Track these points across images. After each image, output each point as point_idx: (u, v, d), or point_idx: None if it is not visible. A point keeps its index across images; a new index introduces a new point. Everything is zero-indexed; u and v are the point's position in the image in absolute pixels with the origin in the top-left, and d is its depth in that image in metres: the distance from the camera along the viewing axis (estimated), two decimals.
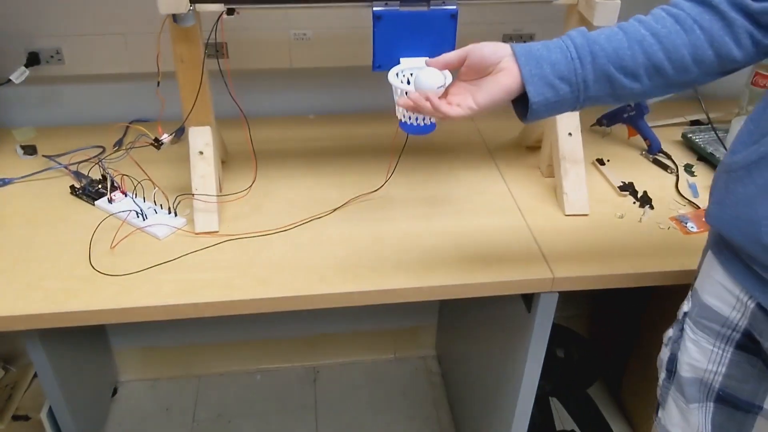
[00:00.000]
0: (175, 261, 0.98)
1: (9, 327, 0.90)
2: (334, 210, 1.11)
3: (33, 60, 1.26)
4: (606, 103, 0.78)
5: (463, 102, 0.76)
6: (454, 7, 0.97)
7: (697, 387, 0.86)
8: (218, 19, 0.95)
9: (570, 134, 1.14)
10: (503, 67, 0.75)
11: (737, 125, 1.25)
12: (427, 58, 0.80)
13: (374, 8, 0.96)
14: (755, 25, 0.72)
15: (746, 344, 0.80)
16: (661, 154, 1.29)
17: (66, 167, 1.18)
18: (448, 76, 0.81)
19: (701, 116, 1.41)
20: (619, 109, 1.31)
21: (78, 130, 1.34)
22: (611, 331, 1.66)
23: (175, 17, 0.93)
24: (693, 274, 0.95)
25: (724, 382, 0.83)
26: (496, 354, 1.30)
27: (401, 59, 0.99)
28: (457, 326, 1.69)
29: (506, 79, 0.74)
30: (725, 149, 1.25)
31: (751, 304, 0.76)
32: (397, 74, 0.96)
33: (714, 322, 0.81)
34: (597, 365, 1.62)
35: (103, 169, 1.14)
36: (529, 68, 0.73)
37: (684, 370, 0.86)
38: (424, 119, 0.97)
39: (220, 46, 0.96)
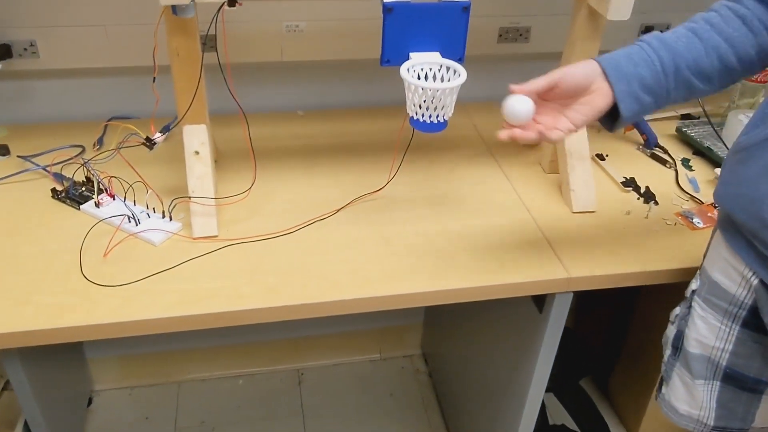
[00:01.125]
0: (175, 269, 0.93)
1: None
2: (338, 211, 1.06)
3: (5, 53, 1.17)
4: (677, 103, 0.83)
5: (560, 125, 0.78)
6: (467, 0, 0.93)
7: (704, 364, 0.88)
8: (219, 10, 0.89)
9: None
10: (596, 89, 0.78)
11: (733, 119, 1.25)
12: (513, 85, 0.77)
13: (384, 0, 0.91)
14: None
15: (751, 321, 0.82)
16: (657, 149, 1.29)
17: (45, 169, 1.10)
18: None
19: (692, 110, 1.41)
20: None
21: (53, 128, 1.25)
22: (597, 326, 1.67)
23: (174, 8, 0.86)
24: None
25: (731, 359, 0.86)
26: (498, 354, 1.28)
27: (411, 54, 0.95)
28: (447, 324, 1.66)
29: (601, 101, 0.78)
30: (723, 143, 1.25)
31: (755, 281, 0.79)
32: (408, 69, 0.92)
33: (722, 299, 0.84)
34: (588, 359, 1.63)
35: (88, 171, 1.07)
36: (620, 87, 0.77)
37: (692, 346, 0.89)
38: (437, 117, 0.93)
39: (213, 38, 0.91)
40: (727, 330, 0.84)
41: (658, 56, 0.78)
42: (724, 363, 0.86)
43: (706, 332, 0.87)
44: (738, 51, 0.78)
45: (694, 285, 0.90)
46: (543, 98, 0.79)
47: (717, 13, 0.80)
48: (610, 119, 0.81)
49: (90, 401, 1.68)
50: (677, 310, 0.93)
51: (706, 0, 1.45)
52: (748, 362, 0.85)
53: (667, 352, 0.95)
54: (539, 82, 0.77)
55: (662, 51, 0.78)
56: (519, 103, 0.77)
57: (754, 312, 0.81)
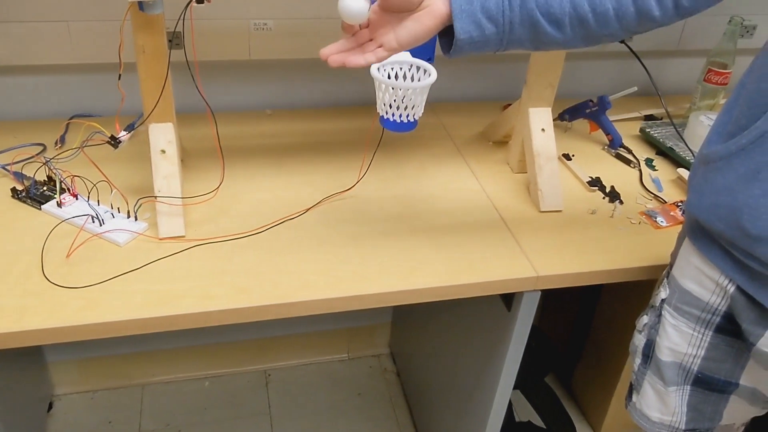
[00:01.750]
0: (141, 269, 0.91)
1: None
2: (307, 210, 1.06)
3: None
4: (526, 49, 0.80)
5: (386, 42, 0.76)
6: None
7: (675, 370, 0.88)
8: (186, 6, 0.88)
9: (543, 130, 1.13)
10: (428, 5, 0.75)
11: (695, 120, 1.28)
12: None
13: None
14: None
15: (725, 327, 0.83)
16: (622, 149, 1.31)
17: (5, 168, 1.07)
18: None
19: (655, 111, 1.44)
20: (582, 105, 1.32)
21: (13, 125, 1.22)
22: (562, 323, 1.69)
23: (141, 5, 0.85)
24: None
25: (703, 364, 0.86)
26: (466, 352, 1.29)
27: None
28: (415, 323, 1.67)
29: (430, 21, 0.75)
30: (685, 144, 1.28)
31: (731, 288, 0.79)
32: (378, 69, 0.92)
33: (694, 307, 0.84)
34: (552, 355, 1.65)
35: (50, 169, 1.04)
36: (459, 3, 0.74)
37: (664, 355, 0.89)
38: (407, 116, 0.93)
39: (180, 35, 0.89)
40: (700, 336, 0.84)
41: None
42: (695, 368, 0.87)
43: (678, 340, 0.86)
44: (594, 2, 0.75)
45: (662, 294, 0.89)
46: (383, 8, 0.75)
47: None
48: (448, 44, 0.78)
49: (50, 406, 1.64)
50: (645, 319, 0.93)
51: None
52: (719, 365, 0.85)
53: (637, 360, 0.94)
54: None
55: None
56: (354, 1, 0.74)
57: (728, 318, 0.81)
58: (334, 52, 0.77)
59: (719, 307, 0.82)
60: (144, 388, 1.71)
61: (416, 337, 1.67)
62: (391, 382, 1.81)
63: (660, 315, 0.89)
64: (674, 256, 0.90)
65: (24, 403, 1.48)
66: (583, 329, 1.54)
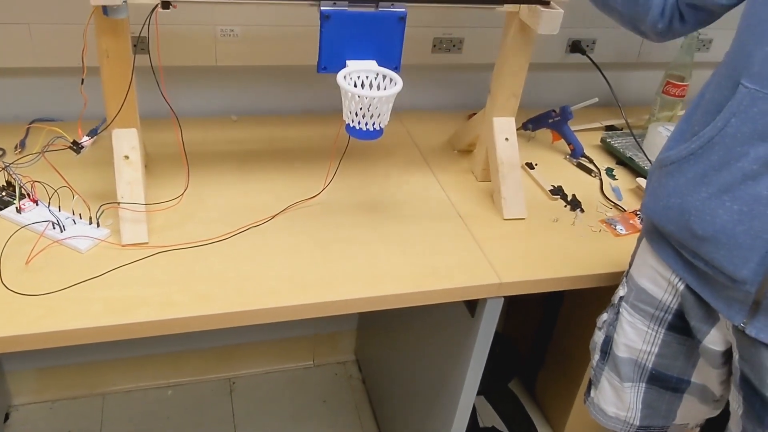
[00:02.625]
0: (102, 276, 0.89)
1: None
2: (273, 217, 1.05)
3: None
4: None
5: None
6: (403, 9, 0.95)
7: (631, 367, 0.92)
8: (152, 11, 0.87)
9: (507, 139, 1.15)
10: None
11: (653, 131, 1.32)
12: None
13: (322, 7, 0.91)
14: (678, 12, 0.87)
15: (677, 324, 0.87)
16: (583, 159, 1.34)
17: None
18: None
19: (616, 122, 1.48)
20: (544, 115, 1.35)
21: None
22: (524, 329, 1.71)
23: (105, 9, 0.84)
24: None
25: (657, 361, 0.90)
26: (431, 358, 1.30)
27: (348, 62, 0.95)
28: (380, 330, 1.67)
29: None
30: (644, 154, 1.31)
31: (681, 286, 0.83)
32: (344, 77, 0.93)
33: (648, 305, 0.88)
34: (516, 361, 1.67)
35: (9, 174, 1.02)
36: None
37: (620, 351, 0.93)
38: (373, 124, 0.94)
39: (145, 40, 0.88)
40: (654, 334, 0.89)
41: None
42: (650, 365, 0.91)
43: (633, 336, 0.90)
44: None
45: (621, 291, 0.94)
46: None
47: None
48: None
49: (7, 417, 1.60)
50: (604, 316, 0.97)
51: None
52: (672, 362, 0.89)
53: (596, 357, 0.98)
54: None
55: None
56: None
57: (679, 315, 0.86)
58: None
59: (671, 305, 0.86)
60: (105, 397, 1.68)
61: (382, 344, 1.67)
62: (356, 389, 1.81)
63: (618, 312, 0.93)
64: (633, 255, 0.94)
65: None
66: (546, 335, 1.56)
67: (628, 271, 0.94)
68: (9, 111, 1.25)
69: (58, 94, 1.25)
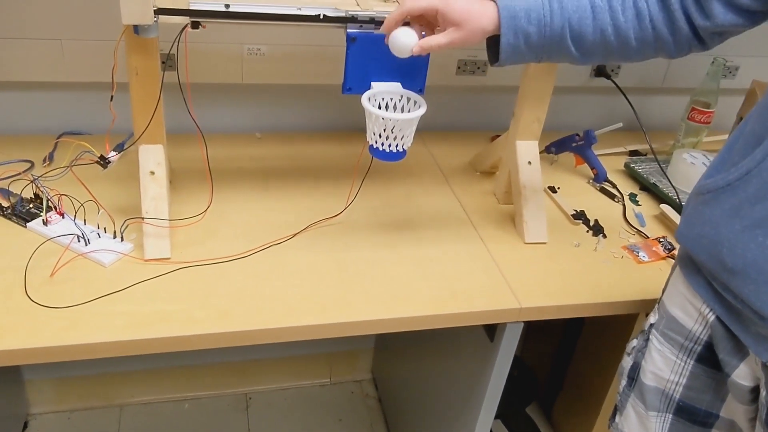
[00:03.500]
0: (125, 291, 0.90)
1: None
2: (294, 236, 1.06)
3: None
4: (550, 60, 0.89)
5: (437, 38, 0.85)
6: None
7: (658, 396, 0.90)
8: (182, 31, 0.89)
9: (530, 163, 1.15)
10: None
11: (678, 157, 1.31)
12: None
13: (349, 30, 0.92)
14: (697, 38, 0.85)
15: (706, 356, 0.84)
16: (607, 183, 1.33)
17: None
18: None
19: (640, 147, 1.47)
20: (568, 138, 1.34)
21: (1, 141, 1.21)
22: (543, 353, 1.70)
23: (136, 28, 0.86)
24: (651, 304, 0.98)
25: (684, 392, 0.88)
26: (448, 380, 1.29)
27: (372, 83, 0.96)
28: (398, 349, 1.66)
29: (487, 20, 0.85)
30: (668, 180, 1.30)
31: (711, 317, 0.81)
32: (369, 99, 0.94)
33: (678, 334, 0.86)
34: (534, 385, 1.65)
35: (37, 187, 1.04)
36: (507, 38, 0.84)
37: (647, 378, 0.90)
38: (396, 146, 0.95)
39: (174, 57, 0.90)
40: (682, 364, 0.86)
41: (551, 21, 0.84)
42: (677, 396, 0.88)
43: (662, 365, 0.88)
44: (621, 37, 0.85)
45: (652, 318, 0.92)
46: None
47: None
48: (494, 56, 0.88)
49: (25, 425, 1.61)
50: (634, 342, 0.95)
51: None
52: (700, 395, 0.87)
53: (623, 382, 0.96)
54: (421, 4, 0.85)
55: (557, 17, 0.84)
56: (404, 36, 0.86)
57: (709, 348, 0.83)
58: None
59: (701, 337, 0.84)
60: (122, 409, 1.69)
61: (399, 364, 1.67)
62: (372, 408, 1.80)
63: (648, 339, 0.91)
64: (667, 282, 0.92)
65: None
66: (564, 360, 1.54)
67: (660, 298, 0.92)
68: (39, 124, 1.27)
69: (87, 108, 1.28)
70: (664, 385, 0.89)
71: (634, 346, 0.95)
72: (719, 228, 0.76)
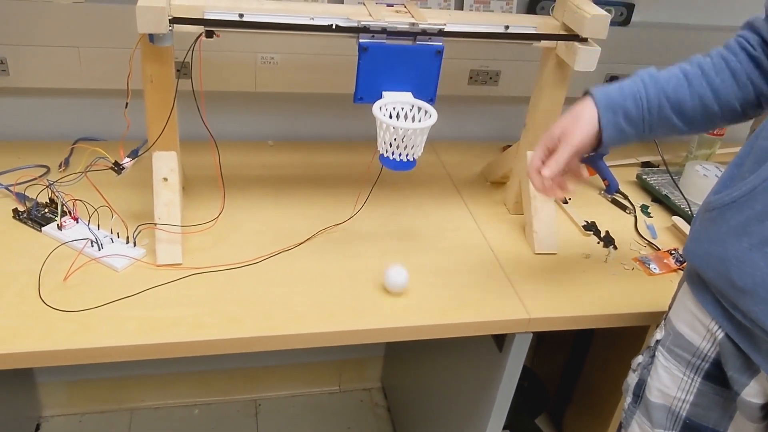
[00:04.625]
0: (137, 296, 0.91)
1: None
2: (303, 242, 1.07)
3: None
4: (659, 138, 0.92)
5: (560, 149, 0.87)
6: (440, 43, 0.96)
7: (664, 413, 0.89)
8: (196, 40, 0.90)
9: None
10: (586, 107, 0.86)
11: (691, 169, 1.30)
12: (542, 170, 0.87)
13: (361, 40, 0.93)
14: None
15: (714, 374, 0.83)
16: (618, 195, 1.33)
17: (8, 188, 1.08)
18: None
19: (652, 158, 1.46)
20: None
21: (18, 146, 1.23)
22: (553, 364, 1.69)
23: (152, 37, 0.87)
24: (661, 316, 0.97)
25: (691, 410, 0.86)
26: (457, 389, 1.29)
27: (384, 93, 0.97)
28: (408, 358, 1.66)
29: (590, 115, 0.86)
30: (681, 192, 1.29)
31: (720, 334, 0.80)
32: (380, 108, 0.94)
33: (686, 351, 0.85)
34: (543, 396, 1.64)
35: (53, 192, 1.05)
36: (606, 117, 0.85)
37: (653, 396, 0.89)
38: (407, 155, 0.95)
39: (188, 65, 0.91)
40: (689, 381, 0.85)
41: (647, 94, 0.84)
42: (684, 414, 0.87)
43: (668, 382, 0.87)
44: (722, 101, 0.84)
45: (658, 335, 0.90)
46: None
47: (711, 61, 0.86)
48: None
49: (37, 427, 1.63)
50: (639, 359, 0.94)
51: (667, 54, 1.51)
52: (707, 413, 0.85)
53: (628, 399, 0.95)
54: (562, 159, 0.86)
55: (651, 89, 0.85)
56: (398, 276, 0.96)
57: (717, 365, 0.82)
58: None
59: (709, 354, 0.83)
60: (133, 412, 1.70)
61: (408, 373, 1.66)
62: (381, 416, 1.79)
63: (654, 356, 0.90)
64: (673, 298, 0.91)
65: (10, 423, 1.47)
66: (574, 371, 1.54)
67: (666, 314, 0.91)
68: (55, 130, 1.29)
69: (103, 114, 1.29)
70: (670, 403, 0.88)
71: (639, 363, 0.94)
72: (726, 246, 0.75)
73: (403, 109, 0.97)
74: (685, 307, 0.85)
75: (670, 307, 0.91)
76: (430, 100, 0.98)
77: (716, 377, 0.83)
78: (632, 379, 0.95)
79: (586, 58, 0.98)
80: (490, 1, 1.32)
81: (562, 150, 0.85)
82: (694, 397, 0.86)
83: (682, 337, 0.85)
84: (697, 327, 0.83)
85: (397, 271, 0.96)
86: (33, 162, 1.18)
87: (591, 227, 1.20)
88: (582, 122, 0.85)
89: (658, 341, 0.90)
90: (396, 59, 0.95)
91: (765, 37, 0.83)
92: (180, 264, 0.98)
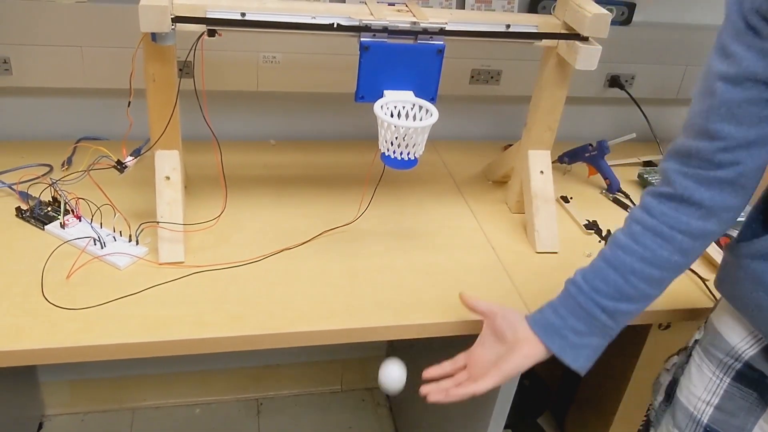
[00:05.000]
0: (139, 294, 0.92)
1: None
2: (305, 242, 1.07)
3: None
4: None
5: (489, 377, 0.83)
6: (442, 42, 0.96)
7: (687, 417, 0.87)
8: (198, 39, 0.90)
9: (542, 172, 1.15)
10: (524, 337, 0.82)
11: None
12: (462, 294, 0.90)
13: (362, 39, 0.94)
14: None
15: (745, 374, 0.81)
16: (620, 194, 1.33)
17: (11, 187, 1.09)
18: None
19: (654, 157, 1.46)
20: (581, 148, 1.34)
21: (21, 145, 1.24)
22: (555, 363, 1.69)
23: (154, 36, 0.87)
24: (662, 315, 0.98)
25: (714, 414, 0.85)
26: None
27: (385, 92, 0.97)
28: (409, 357, 1.66)
29: (532, 350, 0.82)
30: None
31: (765, 342, 0.78)
32: (381, 107, 0.95)
33: (720, 350, 0.83)
34: (545, 395, 1.64)
35: (56, 191, 1.05)
36: (556, 344, 0.81)
37: (683, 395, 0.88)
38: (408, 154, 0.95)
39: (190, 65, 0.91)
40: (718, 382, 0.84)
41: (582, 306, 0.80)
42: (705, 419, 0.85)
43: (697, 381, 0.86)
44: (657, 263, 0.76)
45: (697, 335, 0.90)
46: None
47: (628, 233, 0.78)
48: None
49: (40, 426, 1.63)
50: (675, 359, 0.93)
51: (667, 54, 1.51)
52: (729, 419, 0.84)
53: (659, 398, 0.94)
54: (480, 306, 0.87)
55: (583, 298, 0.80)
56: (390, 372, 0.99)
57: (749, 366, 0.81)
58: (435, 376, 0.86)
59: (743, 354, 0.81)
60: (134, 412, 1.71)
61: (410, 372, 1.66)
62: (382, 416, 1.80)
63: (690, 355, 0.89)
64: (715, 304, 0.89)
65: (13, 422, 1.47)
66: (572, 372, 1.54)
67: (708, 317, 0.89)
68: (58, 129, 1.30)
69: (105, 113, 1.30)
70: (694, 405, 0.86)
71: (674, 363, 0.92)
72: (761, 296, 0.72)
73: (404, 107, 0.97)
74: (728, 311, 0.84)
75: (711, 310, 0.89)
76: (432, 99, 0.98)
77: (747, 378, 0.82)
78: (665, 378, 0.93)
79: (587, 57, 0.98)
80: (492, 0, 1.33)
81: (487, 380, 0.83)
82: (719, 400, 0.84)
83: (720, 336, 0.84)
84: (737, 329, 0.82)
85: (392, 370, 0.99)
86: (36, 161, 1.18)
87: (592, 226, 1.20)
88: (524, 360, 0.82)
89: (696, 341, 0.89)
90: (397, 58, 0.95)
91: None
92: (182, 262, 0.98)
